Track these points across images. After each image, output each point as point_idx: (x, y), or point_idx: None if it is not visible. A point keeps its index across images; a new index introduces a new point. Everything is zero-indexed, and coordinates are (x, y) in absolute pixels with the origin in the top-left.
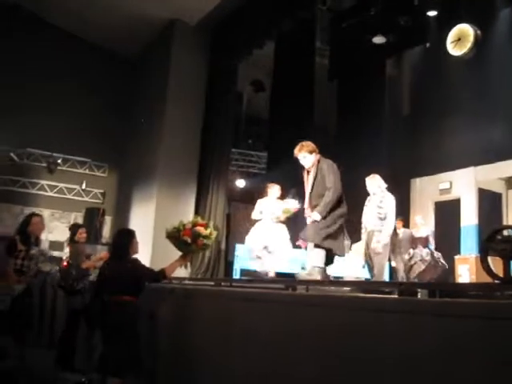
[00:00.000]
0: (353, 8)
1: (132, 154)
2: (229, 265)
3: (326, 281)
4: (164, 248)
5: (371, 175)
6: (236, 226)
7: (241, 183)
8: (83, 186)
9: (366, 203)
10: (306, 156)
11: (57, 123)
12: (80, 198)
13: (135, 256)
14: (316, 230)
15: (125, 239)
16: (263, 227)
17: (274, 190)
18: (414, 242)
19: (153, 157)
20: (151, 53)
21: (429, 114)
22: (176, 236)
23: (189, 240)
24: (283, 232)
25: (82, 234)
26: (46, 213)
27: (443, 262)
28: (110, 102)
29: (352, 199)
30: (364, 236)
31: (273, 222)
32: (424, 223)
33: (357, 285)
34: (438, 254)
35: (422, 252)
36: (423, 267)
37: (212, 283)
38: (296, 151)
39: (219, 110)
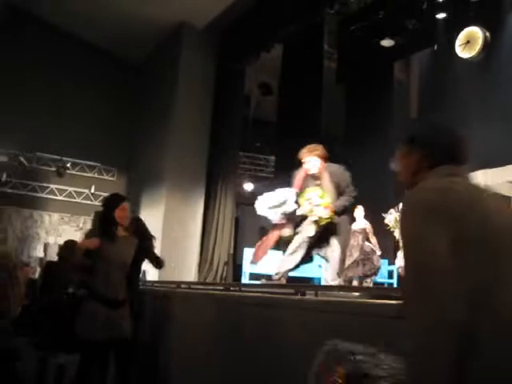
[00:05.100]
0: (361, 11)
1: (140, 157)
2: (237, 269)
3: (336, 286)
4: (171, 252)
5: None
6: (244, 230)
7: (249, 186)
8: (92, 190)
9: None
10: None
11: (66, 128)
12: (89, 202)
13: None
14: None
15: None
16: None
17: None
18: (353, 235)
19: (161, 161)
20: (159, 57)
21: (437, 117)
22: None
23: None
24: None
25: None
26: (55, 216)
27: (375, 260)
28: (118, 106)
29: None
30: None
31: None
32: (362, 215)
33: (366, 290)
34: (370, 250)
35: (353, 247)
36: (348, 263)
37: (221, 288)
38: (304, 153)
39: (227, 114)
